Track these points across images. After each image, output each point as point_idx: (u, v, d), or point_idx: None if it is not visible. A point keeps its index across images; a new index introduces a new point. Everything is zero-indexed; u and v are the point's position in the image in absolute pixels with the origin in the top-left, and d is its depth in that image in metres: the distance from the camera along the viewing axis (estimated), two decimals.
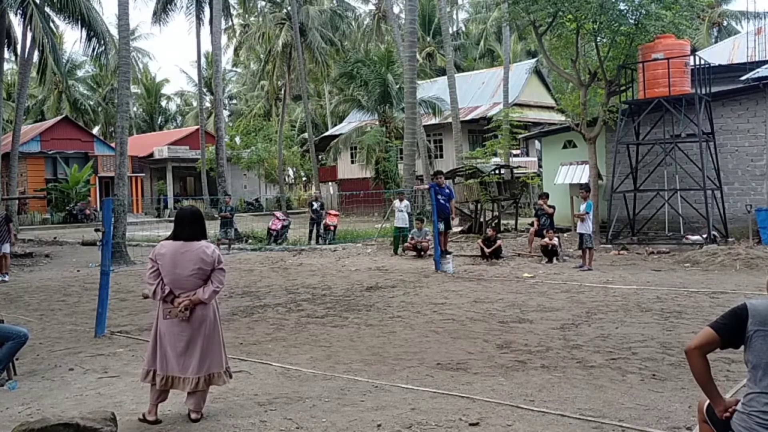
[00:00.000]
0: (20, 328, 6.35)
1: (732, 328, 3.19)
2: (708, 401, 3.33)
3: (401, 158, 27.23)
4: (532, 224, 16.69)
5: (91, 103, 57.12)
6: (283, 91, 45.05)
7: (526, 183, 23.14)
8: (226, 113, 61.21)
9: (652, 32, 16.97)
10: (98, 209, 36.41)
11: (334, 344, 7.37)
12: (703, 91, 17.14)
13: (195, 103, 63.42)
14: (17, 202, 28.49)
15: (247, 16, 52.42)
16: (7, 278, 13.92)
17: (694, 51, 18.01)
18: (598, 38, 17.97)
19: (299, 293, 11.27)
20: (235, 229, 21.26)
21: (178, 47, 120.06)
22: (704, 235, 16.06)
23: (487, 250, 15.43)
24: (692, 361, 3.23)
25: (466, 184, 21.24)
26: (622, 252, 16.03)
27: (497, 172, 21.60)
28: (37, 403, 5.48)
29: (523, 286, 11.40)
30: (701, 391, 3.33)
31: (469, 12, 62.49)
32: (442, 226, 13.90)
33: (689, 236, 16.45)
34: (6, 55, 25.30)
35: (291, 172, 58.38)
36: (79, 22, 23.06)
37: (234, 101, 68.45)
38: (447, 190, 14.39)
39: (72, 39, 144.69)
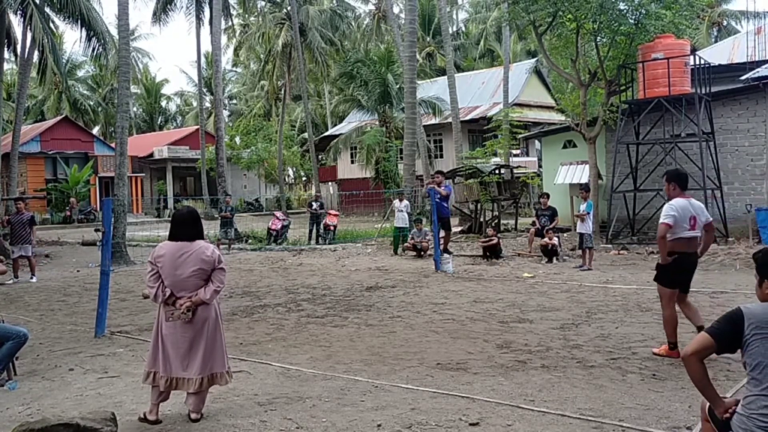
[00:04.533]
0: (20, 328, 6.35)
1: (728, 333, 3.21)
2: None
3: (401, 158, 27.24)
4: (533, 224, 16.70)
5: (91, 103, 57.13)
6: (283, 91, 45.05)
7: (526, 183, 23.14)
8: (226, 113, 61.22)
9: (652, 32, 16.97)
10: (97, 209, 36.37)
11: (334, 344, 7.37)
12: (703, 91, 17.14)
13: (195, 103, 63.43)
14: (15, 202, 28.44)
15: (247, 16, 52.41)
16: (34, 279, 13.85)
17: (694, 51, 18.01)
18: (598, 38, 17.97)
19: (299, 293, 11.27)
20: (235, 229, 21.26)
21: (178, 47, 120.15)
22: None
23: (487, 245, 15.54)
24: (690, 367, 3.25)
25: (466, 184, 21.24)
26: (622, 252, 16.03)
27: (497, 172, 21.59)
28: (37, 403, 5.48)
29: (523, 286, 11.40)
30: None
31: (469, 12, 62.51)
32: (442, 233, 13.96)
33: None
34: (6, 55, 25.25)
35: (291, 172, 58.37)
36: (79, 22, 23.04)
37: (234, 101, 68.45)
38: (446, 190, 14.40)
39: (72, 39, 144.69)
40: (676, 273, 6.54)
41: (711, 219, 6.73)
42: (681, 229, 6.43)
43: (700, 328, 6.51)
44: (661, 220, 6.45)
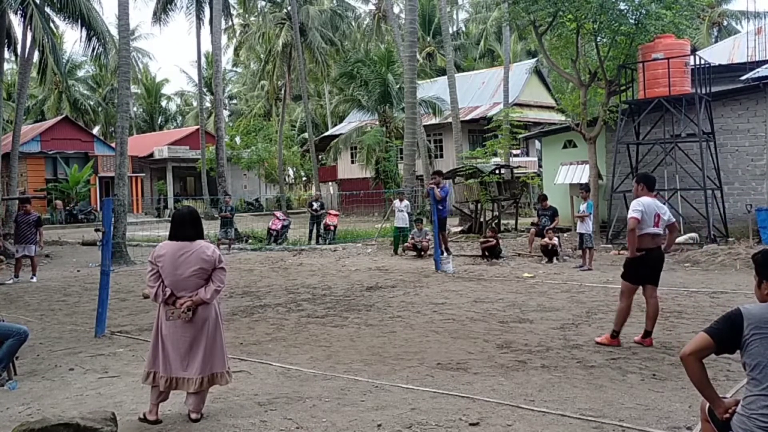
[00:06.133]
0: (20, 325, 6.35)
1: (727, 333, 3.21)
2: None
3: (401, 158, 27.27)
4: (533, 224, 16.71)
5: (91, 103, 57.11)
6: (283, 91, 45.04)
7: (526, 183, 23.14)
8: (226, 113, 61.21)
9: (652, 32, 16.97)
10: (98, 209, 36.34)
11: (334, 344, 7.37)
12: (703, 91, 17.15)
13: (195, 103, 63.44)
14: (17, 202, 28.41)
15: (247, 16, 52.40)
16: (35, 279, 13.84)
17: (694, 51, 18.01)
18: (598, 38, 17.97)
19: (299, 293, 11.27)
20: (235, 229, 21.26)
21: (178, 47, 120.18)
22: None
23: (485, 246, 15.53)
24: (688, 366, 3.25)
25: (466, 184, 21.24)
26: (622, 252, 15.99)
27: (497, 172, 21.59)
28: (38, 403, 5.47)
29: (523, 286, 11.40)
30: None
31: (469, 12, 62.52)
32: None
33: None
34: (6, 55, 25.23)
35: (291, 172, 58.38)
36: (79, 22, 23.02)
37: (234, 101, 68.45)
38: (442, 193, 14.35)
39: (72, 39, 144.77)
40: (641, 268, 6.99)
41: (674, 219, 7.31)
42: (646, 225, 6.91)
43: (647, 333, 7.00)
44: (630, 215, 6.97)
